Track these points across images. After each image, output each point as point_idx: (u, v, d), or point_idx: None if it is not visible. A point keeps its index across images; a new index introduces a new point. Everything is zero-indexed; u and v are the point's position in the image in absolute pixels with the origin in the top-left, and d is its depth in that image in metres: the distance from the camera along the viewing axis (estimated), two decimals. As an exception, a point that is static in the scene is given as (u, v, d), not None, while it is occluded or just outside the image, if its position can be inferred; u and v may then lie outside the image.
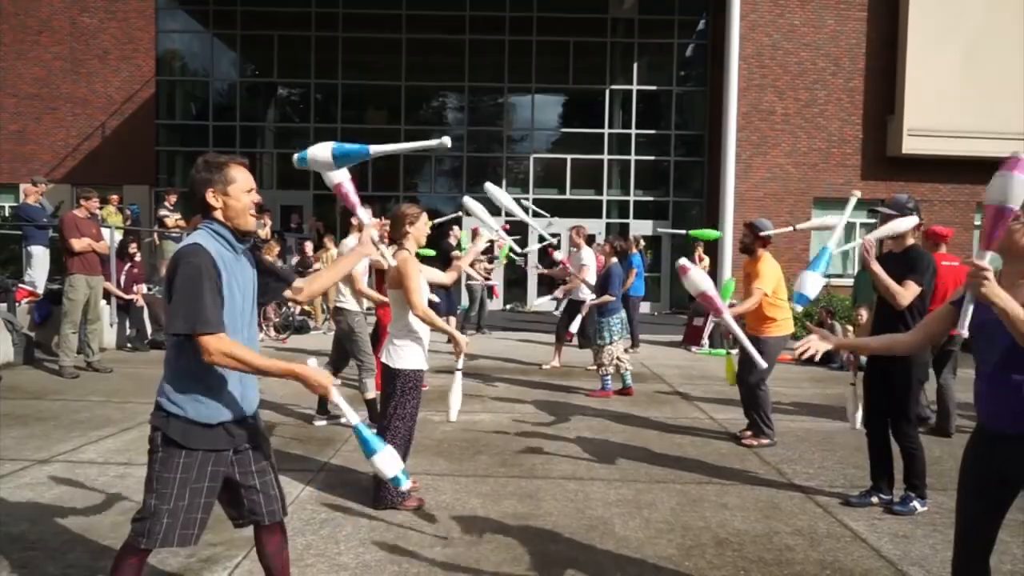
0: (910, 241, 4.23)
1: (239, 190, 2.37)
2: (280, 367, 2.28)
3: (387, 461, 2.48)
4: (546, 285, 14.02)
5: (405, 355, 4.03)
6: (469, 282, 11.59)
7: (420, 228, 4.18)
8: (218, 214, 2.37)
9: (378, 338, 6.58)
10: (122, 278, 9.93)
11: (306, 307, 12.57)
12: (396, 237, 4.16)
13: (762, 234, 5.51)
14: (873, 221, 18.07)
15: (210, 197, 2.35)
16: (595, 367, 7.71)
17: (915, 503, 4.16)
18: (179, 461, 2.29)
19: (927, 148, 15.59)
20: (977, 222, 16.15)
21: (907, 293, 4.04)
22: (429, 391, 7.26)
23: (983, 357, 2.42)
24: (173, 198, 12.00)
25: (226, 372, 2.31)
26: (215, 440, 2.34)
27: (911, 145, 15.60)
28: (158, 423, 2.32)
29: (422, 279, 4.04)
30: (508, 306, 16.88)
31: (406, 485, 2.56)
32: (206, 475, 2.33)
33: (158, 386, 2.36)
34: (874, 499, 4.31)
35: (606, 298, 7.39)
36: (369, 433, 2.46)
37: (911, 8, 15.52)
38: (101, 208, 11.74)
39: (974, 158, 15.57)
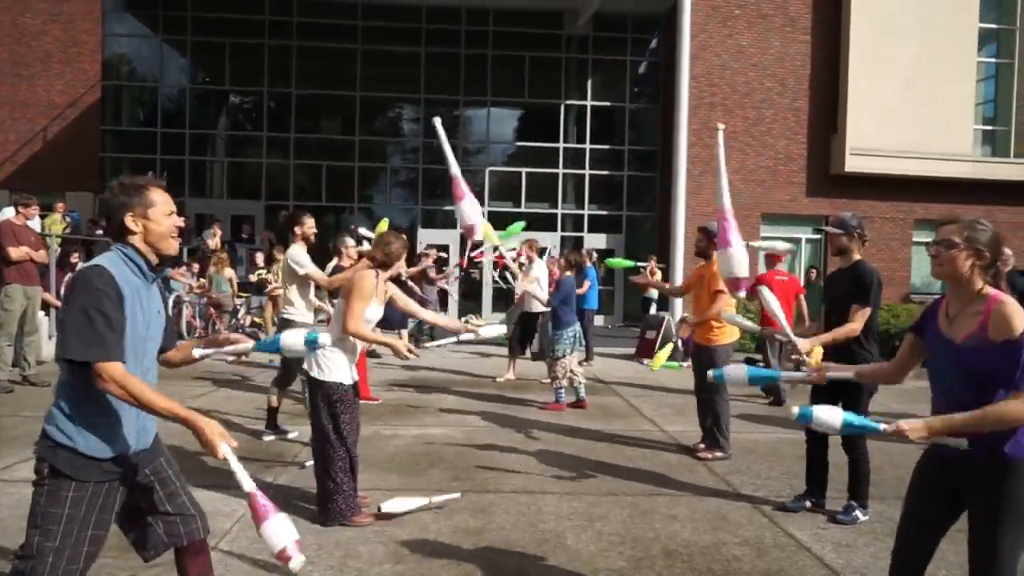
0: (856, 257, 4.34)
1: (159, 214, 2.25)
2: (175, 411, 2.09)
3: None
4: (502, 299, 14.03)
5: (332, 367, 3.97)
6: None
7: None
8: (137, 239, 2.24)
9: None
10: (62, 288, 9.59)
11: (256, 319, 12.32)
12: (374, 255, 4.17)
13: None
14: (818, 238, 18.40)
15: (129, 221, 2.22)
16: (549, 380, 7.74)
17: (857, 512, 4.28)
18: (68, 495, 2.12)
19: (868, 167, 16.22)
20: (916, 238, 16.79)
21: (856, 324, 4.11)
22: (380, 405, 7.20)
23: (938, 383, 2.42)
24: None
25: (124, 403, 2.14)
26: (108, 471, 2.19)
27: (853, 164, 16.19)
28: (44, 453, 2.14)
29: (371, 302, 4.01)
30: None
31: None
32: (96, 507, 2.17)
33: (48, 411, 2.20)
34: (807, 503, 4.44)
35: (536, 287, 7.62)
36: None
37: (852, 32, 16.19)
38: (45, 216, 11.35)
39: (913, 177, 16.27)
